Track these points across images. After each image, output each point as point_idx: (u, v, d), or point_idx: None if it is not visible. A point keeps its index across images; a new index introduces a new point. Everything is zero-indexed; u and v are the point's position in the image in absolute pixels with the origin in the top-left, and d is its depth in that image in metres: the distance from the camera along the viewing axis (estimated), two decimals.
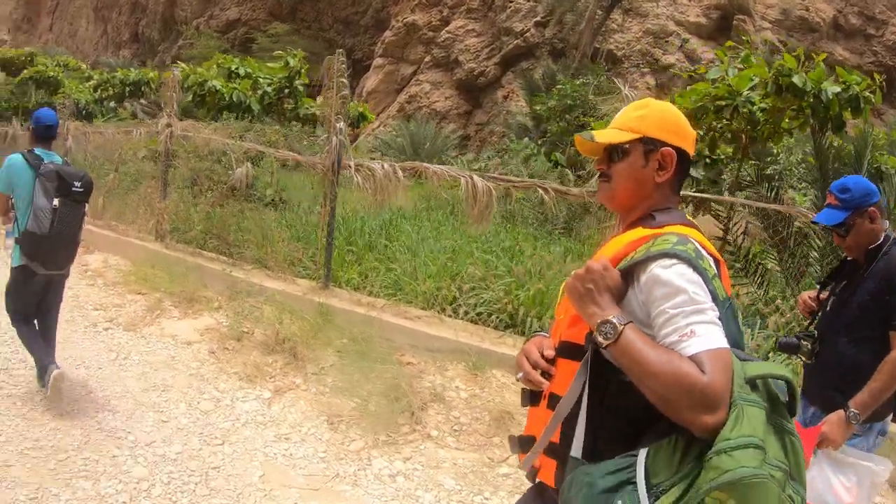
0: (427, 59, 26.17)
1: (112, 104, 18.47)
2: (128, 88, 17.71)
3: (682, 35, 22.88)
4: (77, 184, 4.21)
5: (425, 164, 6.30)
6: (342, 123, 5.99)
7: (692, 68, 11.63)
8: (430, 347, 5.42)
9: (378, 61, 28.52)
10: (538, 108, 15.62)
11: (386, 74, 27.53)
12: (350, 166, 6.10)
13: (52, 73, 20.89)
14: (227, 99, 9.71)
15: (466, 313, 5.87)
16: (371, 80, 27.86)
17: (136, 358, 5.32)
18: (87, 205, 4.46)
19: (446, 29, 25.86)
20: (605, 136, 1.65)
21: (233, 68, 10.44)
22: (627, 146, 1.62)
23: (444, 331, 5.55)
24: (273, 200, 9.18)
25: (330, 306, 5.86)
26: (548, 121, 15.27)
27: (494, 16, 25.07)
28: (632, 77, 22.18)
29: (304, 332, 5.57)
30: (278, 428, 4.36)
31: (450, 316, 5.90)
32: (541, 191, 5.63)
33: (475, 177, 5.66)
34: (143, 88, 17.82)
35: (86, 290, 7.13)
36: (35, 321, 4.55)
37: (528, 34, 24.02)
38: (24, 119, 19.09)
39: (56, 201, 4.11)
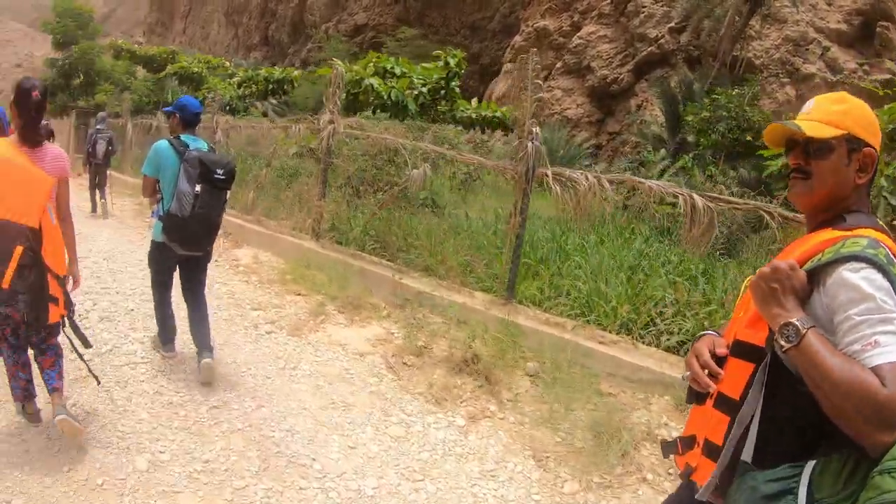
0: (558, 64, 25.47)
1: (254, 101, 18.70)
2: (271, 86, 17.82)
3: (823, 42, 21.17)
4: (220, 171, 4.26)
5: (638, 179, 5.67)
6: (537, 128, 5.43)
7: (867, 80, 10.50)
8: (630, 377, 4.77)
9: (508, 66, 28.06)
10: (689, 118, 14.66)
11: (515, 80, 26.98)
12: (547, 175, 5.53)
13: (195, 70, 21.51)
14: (383, 98, 9.36)
15: (666, 340, 5.19)
16: (500, 85, 27.44)
17: (306, 368, 4.92)
18: (228, 192, 4.52)
19: (578, 34, 25.11)
20: (814, 129, 1.54)
21: (388, 67, 10.11)
22: (833, 142, 1.53)
23: (644, 359, 4.89)
24: (426, 203, 8.76)
25: (517, 324, 5.31)
26: (700, 132, 14.30)
27: (627, 21, 24.08)
28: (771, 87, 20.77)
29: (492, 351, 5.03)
30: (481, 463, 3.82)
31: (648, 344, 5.23)
32: (765, 215, 4.88)
33: (695, 195, 4.99)
34: (284, 87, 17.88)
35: (241, 286, 6.92)
36: (172, 298, 4.78)
37: (662, 41, 22.92)
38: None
39: (198, 187, 4.19)
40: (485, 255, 6.79)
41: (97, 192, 11.55)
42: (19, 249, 2.99)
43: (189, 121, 4.55)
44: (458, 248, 6.89)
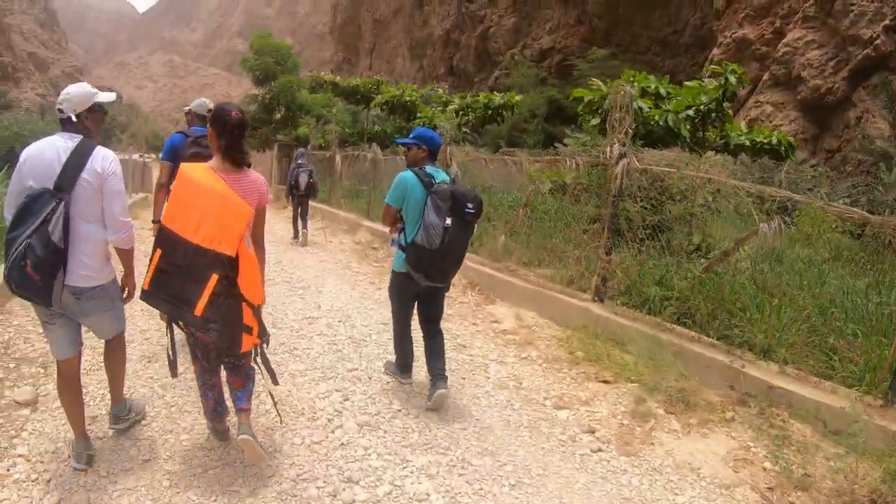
0: (765, 77, 22.68)
1: (471, 132, 17.73)
2: (490, 113, 16.73)
3: None
4: (469, 205, 4.22)
5: None
6: None
7: None
8: None
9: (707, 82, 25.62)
10: None
11: None
12: None
13: (408, 98, 20.51)
14: (650, 123, 7.79)
15: None
16: None
17: None
18: (475, 225, 4.56)
19: (783, 41, 22.18)
20: None
21: (649, 88, 8.54)
22: None
23: None
24: (699, 249, 7.05)
25: None
26: None
27: (835, 23, 20.77)
28: None
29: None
30: None
31: None
32: None
33: None
34: (502, 113, 16.83)
35: (523, 368, 5.52)
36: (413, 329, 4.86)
37: (878, 41, 19.55)
38: (385, 144, 19.04)
39: (448, 220, 4.16)
40: (849, 334, 4.99)
41: (300, 221, 12.43)
42: (214, 278, 2.96)
43: (434, 152, 4.61)
44: (807, 322, 5.12)
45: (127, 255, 3.54)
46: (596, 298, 6.33)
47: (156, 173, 9.44)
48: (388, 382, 5.00)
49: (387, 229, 4.81)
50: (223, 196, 3.05)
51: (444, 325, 4.96)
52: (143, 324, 5.96)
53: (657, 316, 5.79)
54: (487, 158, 9.80)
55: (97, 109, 3.43)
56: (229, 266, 3.01)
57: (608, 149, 6.14)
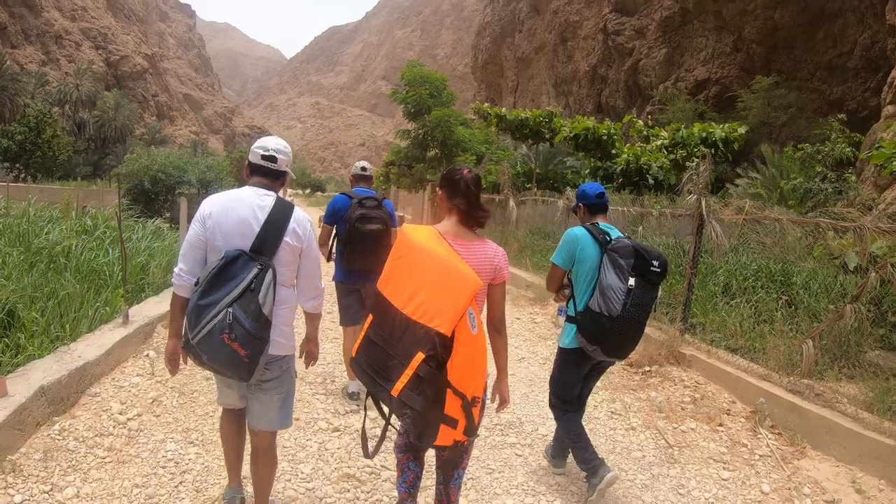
0: None
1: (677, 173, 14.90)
2: (708, 150, 14.05)
3: None
4: (655, 263, 3.76)
5: None
6: None
7: None
8: None
9: (889, 109, 23.49)
10: None
11: None
12: None
13: (603, 132, 17.29)
14: None
15: None
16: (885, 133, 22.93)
17: None
18: (659, 288, 3.98)
19: None
20: None
21: None
22: None
23: None
24: None
25: None
26: None
27: None
28: None
29: None
30: None
31: None
32: None
33: None
34: (722, 148, 14.58)
35: None
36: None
37: None
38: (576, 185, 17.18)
39: (632, 281, 3.70)
40: None
41: None
42: (419, 357, 2.47)
43: (595, 207, 4.16)
44: None
45: (316, 320, 3.41)
46: None
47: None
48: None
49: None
50: (445, 263, 2.66)
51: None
52: None
53: None
54: (786, 219, 7.07)
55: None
56: (441, 346, 2.49)
57: None
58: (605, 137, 17.28)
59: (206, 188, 17.46)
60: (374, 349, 2.66)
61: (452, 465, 3.10)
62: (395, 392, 2.51)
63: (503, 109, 20.27)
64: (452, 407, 2.57)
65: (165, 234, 11.91)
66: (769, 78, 27.38)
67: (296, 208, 3.09)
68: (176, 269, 3.01)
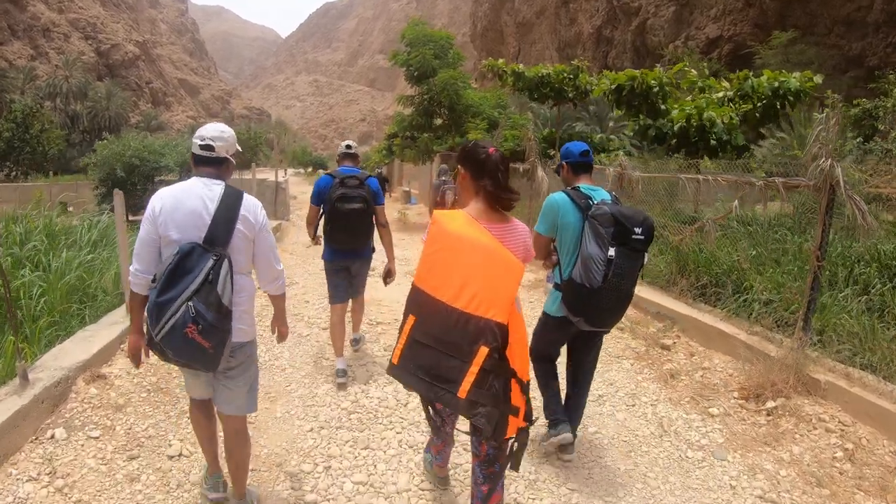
0: None
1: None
2: (777, 102, 12.71)
3: None
4: (638, 230, 3.48)
5: None
6: None
7: None
8: None
9: None
10: None
11: None
12: None
13: (653, 81, 15.18)
14: None
15: None
16: None
17: None
18: (646, 254, 3.71)
19: None
20: None
21: None
22: None
23: None
24: None
25: None
26: None
27: None
28: None
29: None
30: None
31: None
32: None
33: None
34: (790, 100, 13.03)
35: None
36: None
37: None
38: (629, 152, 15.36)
39: (612, 250, 3.45)
40: None
41: None
42: (483, 351, 2.37)
43: (578, 166, 3.92)
44: None
45: (281, 301, 3.44)
46: None
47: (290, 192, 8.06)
48: None
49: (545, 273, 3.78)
50: (490, 251, 2.52)
51: None
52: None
53: None
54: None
55: (236, 153, 3.21)
56: (501, 336, 2.43)
57: None
58: (655, 89, 15.15)
59: (190, 172, 16.41)
60: (425, 351, 2.50)
61: (492, 461, 2.84)
62: (462, 393, 2.38)
63: (520, 66, 17.73)
64: (516, 394, 2.53)
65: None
66: (787, 33, 26.20)
67: (245, 195, 3.07)
68: (132, 268, 2.98)
